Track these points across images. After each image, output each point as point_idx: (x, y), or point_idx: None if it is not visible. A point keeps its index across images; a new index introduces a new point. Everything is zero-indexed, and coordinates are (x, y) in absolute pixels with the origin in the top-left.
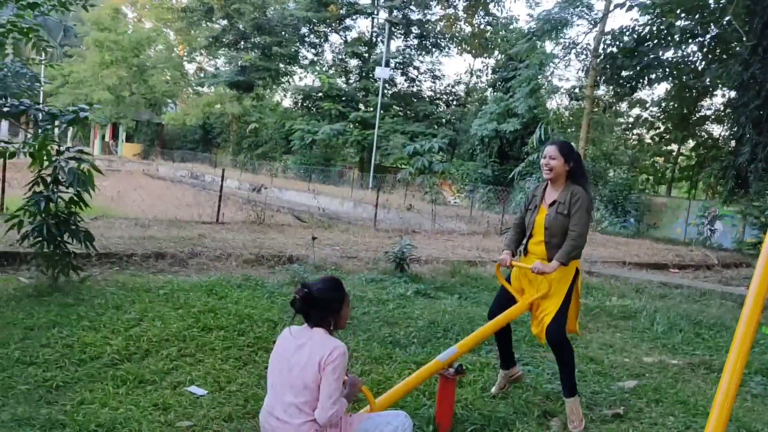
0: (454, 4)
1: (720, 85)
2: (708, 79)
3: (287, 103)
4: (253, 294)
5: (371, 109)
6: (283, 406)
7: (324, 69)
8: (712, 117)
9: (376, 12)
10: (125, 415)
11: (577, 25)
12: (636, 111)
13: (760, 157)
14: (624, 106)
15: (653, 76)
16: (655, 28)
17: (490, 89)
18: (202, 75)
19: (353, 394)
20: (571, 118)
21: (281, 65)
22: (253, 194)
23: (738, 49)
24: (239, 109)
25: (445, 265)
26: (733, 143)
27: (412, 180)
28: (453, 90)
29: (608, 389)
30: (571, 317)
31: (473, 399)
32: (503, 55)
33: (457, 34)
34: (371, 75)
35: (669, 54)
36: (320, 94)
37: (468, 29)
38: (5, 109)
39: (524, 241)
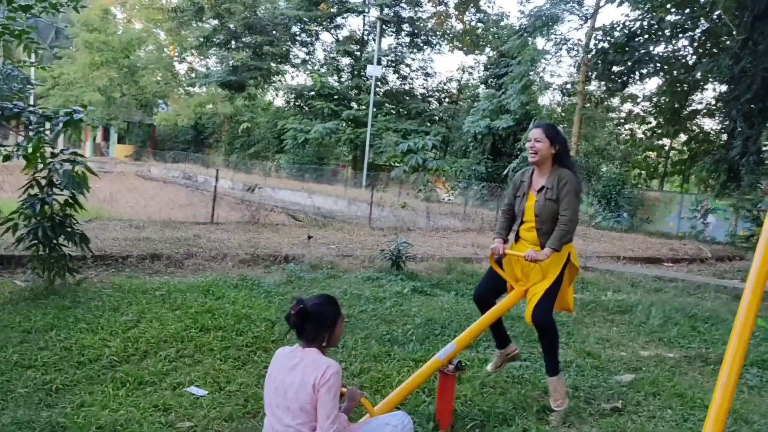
0: (445, 1)
1: (711, 79)
2: (699, 74)
3: (279, 102)
4: (250, 294)
5: (363, 107)
6: (282, 427)
7: (316, 68)
8: (704, 111)
9: (367, 10)
10: (126, 417)
11: (568, 21)
12: (628, 106)
13: (752, 151)
14: (616, 101)
15: (644, 71)
16: (645, 23)
17: (482, 86)
18: (193, 75)
19: (352, 407)
20: (563, 113)
21: (273, 64)
22: (247, 194)
23: (728, 42)
24: (231, 109)
25: (440, 263)
26: (724, 137)
27: (406, 178)
28: (445, 87)
29: (606, 383)
30: (564, 296)
31: (472, 395)
32: (495, 52)
33: (448, 31)
34: (363, 73)
35: (660, 49)
36: (312, 93)
37: (459, 26)
38: None
39: (515, 228)
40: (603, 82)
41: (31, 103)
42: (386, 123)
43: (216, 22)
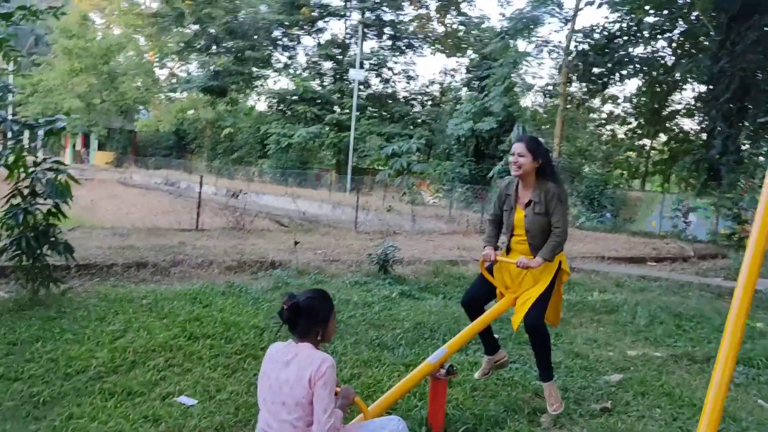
0: (426, 4)
1: (690, 80)
2: (678, 74)
3: (262, 107)
4: (238, 301)
5: (347, 111)
6: (277, 423)
7: (298, 72)
8: (683, 111)
9: (348, 14)
10: (115, 429)
11: (549, 24)
12: (609, 107)
13: (732, 150)
14: (597, 102)
15: (624, 72)
16: (625, 25)
17: (464, 89)
18: (174, 81)
19: (347, 405)
20: (545, 115)
21: (255, 69)
22: (231, 200)
23: (706, 43)
24: (213, 114)
25: (427, 266)
26: (704, 136)
27: (391, 181)
28: (428, 90)
29: (595, 384)
30: (552, 310)
31: (464, 398)
32: (476, 55)
33: (429, 34)
34: (345, 77)
35: (639, 50)
36: (295, 97)
37: (440, 29)
38: None
39: (505, 240)
40: (584, 84)
41: (10, 111)
42: (369, 127)
43: (197, 27)
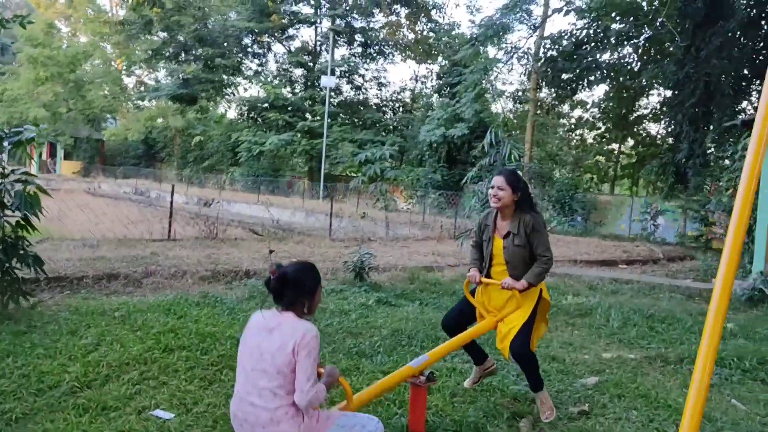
0: (397, 11)
1: (656, 85)
2: (644, 80)
3: (232, 114)
4: (213, 311)
5: (318, 118)
6: (257, 390)
7: (269, 79)
8: (650, 116)
9: (319, 21)
10: None
11: (518, 30)
12: (578, 112)
13: (698, 153)
14: (566, 107)
15: (592, 77)
16: (592, 32)
17: (435, 95)
18: (142, 89)
19: (331, 384)
20: (515, 121)
21: (225, 77)
22: (203, 208)
23: (672, 49)
24: (183, 123)
25: (403, 272)
26: (671, 140)
27: (364, 188)
28: (399, 97)
29: (572, 387)
30: (533, 337)
31: (443, 405)
32: (447, 61)
33: (400, 41)
34: (317, 84)
35: (606, 56)
36: (266, 104)
37: (411, 36)
38: None
39: (486, 270)
40: (553, 90)
41: None
42: (341, 133)
43: (165, 34)
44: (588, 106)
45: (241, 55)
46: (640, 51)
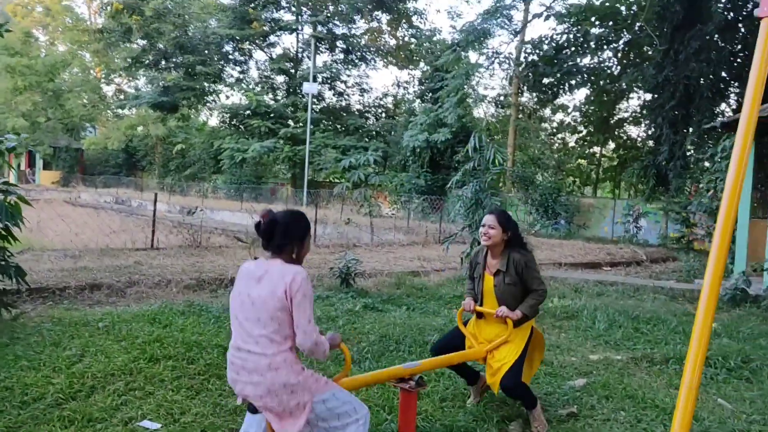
0: (378, 17)
1: (636, 88)
2: (624, 83)
3: (214, 122)
4: (199, 320)
5: (301, 124)
6: (253, 339)
7: (250, 86)
8: (630, 119)
9: (300, 28)
10: None
11: (499, 36)
12: (559, 116)
13: (678, 156)
14: (548, 111)
15: (573, 82)
16: (572, 36)
17: (418, 100)
18: (122, 97)
19: (333, 345)
20: (497, 125)
21: (206, 84)
22: (187, 217)
23: (651, 53)
24: (164, 131)
25: (389, 278)
26: (651, 143)
27: (349, 194)
28: (382, 102)
29: (560, 389)
30: (527, 369)
31: (433, 410)
32: (429, 67)
33: (382, 47)
34: (299, 90)
35: (586, 60)
36: (248, 111)
37: (392, 42)
38: None
39: (477, 305)
40: (534, 94)
41: None
42: (324, 140)
43: (145, 42)
44: (569, 110)
45: (222, 62)
46: (619, 55)
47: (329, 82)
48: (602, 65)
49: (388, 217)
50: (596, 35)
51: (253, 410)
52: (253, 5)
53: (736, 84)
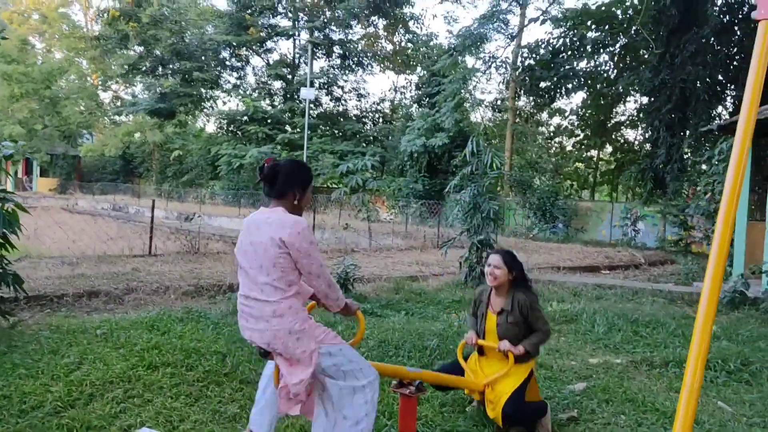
0: (375, 23)
1: (632, 92)
2: (621, 87)
3: (211, 128)
4: (197, 327)
5: (298, 130)
6: (258, 287)
7: (247, 92)
8: (627, 122)
9: (297, 33)
10: None
11: (496, 40)
12: (556, 120)
13: (675, 159)
14: (545, 115)
15: (570, 85)
16: (568, 40)
17: (415, 105)
18: (119, 104)
19: (349, 312)
20: (495, 129)
21: (203, 90)
22: (184, 223)
23: (647, 56)
24: (161, 137)
25: (388, 282)
26: (648, 146)
27: (347, 199)
28: (379, 107)
29: (560, 393)
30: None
31: (433, 415)
32: (426, 71)
33: (378, 53)
34: (296, 96)
35: (583, 64)
36: (245, 117)
37: (389, 47)
38: None
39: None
40: (531, 98)
41: None
42: (322, 145)
43: (142, 49)
44: (566, 114)
45: (219, 68)
46: (616, 59)
47: (326, 87)
48: (599, 69)
49: (386, 222)
50: (592, 39)
51: (264, 354)
52: (249, 11)
53: (733, 87)
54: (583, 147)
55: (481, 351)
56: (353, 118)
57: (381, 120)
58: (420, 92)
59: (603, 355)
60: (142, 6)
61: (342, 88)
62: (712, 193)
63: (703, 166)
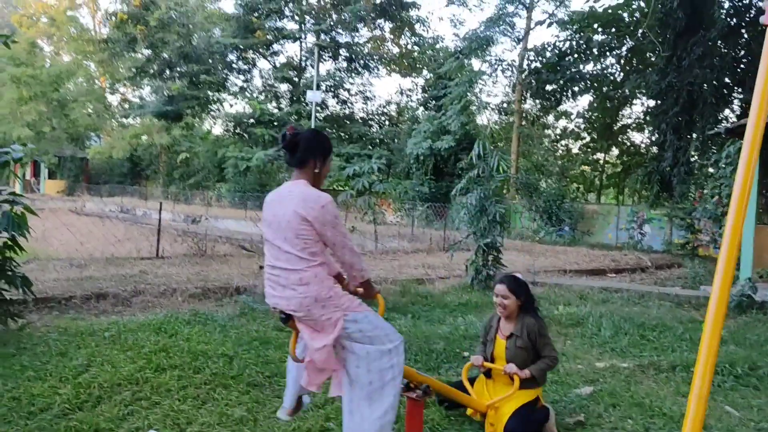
0: (381, 26)
1: (639, 95)
2: (627, 89)
3: (218, 130)
4: (204, 329)
5: None
6: (285, 256)
7: (254, 95)
8: (634, 125)
9: (303, 36)
10: None
11: (502, 43)
12: (562, 123)
13: (682, 162)
14: (551, 118)
15: (576, 88)
16: (574, 43)
17: (421, 108)
18: (126, 106)
19: (369, 296)
20: (501, 132)
21: (210, 93)
22: (191, 225)
23: (654, 59)
24: (168, 140)
25: (394, 285)
26: (655, 149)
27: (353, 202)
28: (385, 110)
29: (567, 397)
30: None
31: (440, 419)
32: (432, 74)
33: (385, 55)
34: (303, 99)
35: (589, 67)
36: (252, 120)
37: (395, 50)
38: None
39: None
40: (538, 101)
41: None
42: None
43: (149, 52)
44: (572, 117)
45: (226, 71)
46: (622, 61)
47: (333, 90)
48: (605, 72)
49: (392, 225)
50: (599, 42)
51: (285, 320)
52: (256, 14)
53: (740, 90)
54: (589, 150)
55: (488, 374)
56: (359, 120)
57: (387, 123)
58: (426, 95)
59: (610, 359)
60: (150, 9)
61: (348, 90)
62: (719, 197)
63: (710, 169)
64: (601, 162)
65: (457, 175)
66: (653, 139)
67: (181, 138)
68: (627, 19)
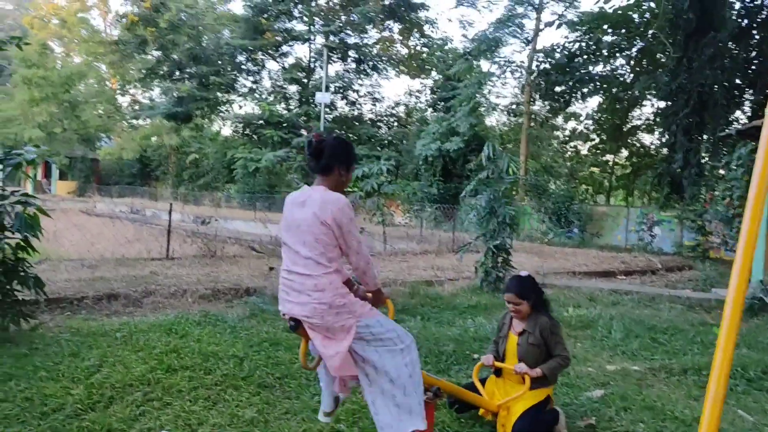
0: (390, 27)
1: (649, 96)
2: (637, 91)
3: (227, 132)
4: (215, 330)
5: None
6: (302, 261)
7: (263, 96)
8: (643, 127)
9: (312, 38)
10: None
11: (511, 44)
12: (572, 124)
13: (692, 163)
14: (560, 119)
15: (585, 89)
16: (584, 44)
17: (430, 109)
18: (137, 107)
19: (380, 302)
20: (510, 134)
21: (219, 94)
22: (201, 226)
23: (664, 60)
24: (178, 141)
25: (403, 287)
26: (665, 151)
27: (362, 203)
28: (393, 111)
29: (577, 400)
30: None
31: (450, 421)
32: (441, 76)
33: (394, 57)
34: (311, 100)
35: (599, 68)
36: (261, 121)
37: (404, 51)
38: None
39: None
40: (547, 102)
41: None
42: None
43: (159, 53)
44: (582, 118)
45: (235, 72)
46: (632, 62)
47: (341, 91)
48: (615, 73)
49: (401, 226)
50: (609, 43)
51: (294, 328)
52: (265, 16)
53: (751, 91)
54: (598, 151)
55: (499, 373)
56: (368, 122)
57: (396, 124)
58: (435, 96)
59: (620, 362)
60: (160, 11)
61: (357, 92)
62: (730, 198)
63: (721, 171)
64: (611, 163)
65: (466, 176)
66: (663, 140)
67: (191, 139)
68: (637, 20)
